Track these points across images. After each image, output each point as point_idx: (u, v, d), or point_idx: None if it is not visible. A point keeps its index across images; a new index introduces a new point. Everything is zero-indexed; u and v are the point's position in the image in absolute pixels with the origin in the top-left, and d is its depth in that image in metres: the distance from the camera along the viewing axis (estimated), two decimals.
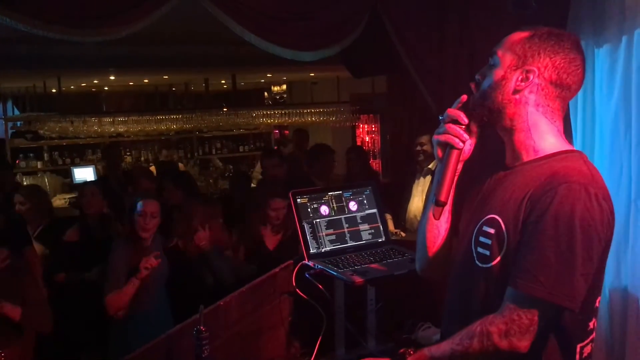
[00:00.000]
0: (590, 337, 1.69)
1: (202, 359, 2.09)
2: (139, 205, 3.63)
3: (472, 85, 1.73)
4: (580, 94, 3.34)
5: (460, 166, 1.77)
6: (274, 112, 8.01)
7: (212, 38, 5.68)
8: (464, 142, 1.70)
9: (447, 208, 1.84)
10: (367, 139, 9.46)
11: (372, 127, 9.21)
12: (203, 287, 3.84)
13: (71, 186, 8.73)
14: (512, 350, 1.54)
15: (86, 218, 4.52)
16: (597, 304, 1.68)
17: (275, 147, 10.02)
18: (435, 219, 1.81)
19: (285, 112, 7.93)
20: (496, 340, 1.54)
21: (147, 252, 3.60)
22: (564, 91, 1.66)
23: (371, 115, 9.01)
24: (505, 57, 1.66)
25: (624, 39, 3.14)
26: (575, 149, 1.71)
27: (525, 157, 1.68)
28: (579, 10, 3.33)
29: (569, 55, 1.63)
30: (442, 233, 1.86)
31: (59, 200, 8.03)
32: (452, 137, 1.70)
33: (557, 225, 1.51)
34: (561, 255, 1.50)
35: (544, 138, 1.67)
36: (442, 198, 1.69)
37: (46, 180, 8.81)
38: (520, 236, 1.57)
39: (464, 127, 1.70)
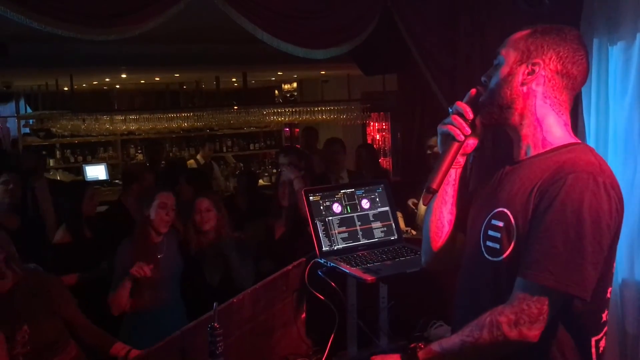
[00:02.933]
0: (604, 330, 1.69)
1: (215, 355, 2.10)
2: (159, 198, 3.61)
3: (480, 88, 1.75)
4: (593, 91, 3.35)
5: (462, 160, 1.84)
6: (285, 110, 8.01)
7: (223, 36, 5.70)
8: (465, 135, 1.73)
9: (451, 201, 1.87)
10: (377, 137, 9.45)
11: (383, 125, 9.20)
12: (206, 286, 3.81)
13: None
14: (522, 340, 1.54)
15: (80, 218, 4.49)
16: (608, 295, 1.68)
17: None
18: (424, 204, 1.85)
19: (295, 110, 7.94)
20: (506, 330, 1.54)
21: (158, 250, 3.60)
22: (570, 81, 1.68)
23: (382, 113, 8.99)
24: (509, 54, 1.70)
25: (638, 36, 3.12)
26: (580, 141, 1.71)
27: (533, 151, 1.69)
28: (592, 7, 3.32)
29: (572, 45, 1.67)
30: (446, 227, 1.89)
31: None
32: (454, 128, 1.73)
33: (565, 215, 1.51)
34: (570, 243, 1.51)
35: (552, 131, 1.68)
36: (434, 186, 1.71)
37: (58, 177, 8.86)
38: (530, 228, 1.58)
39: (469, 121, 1.74)
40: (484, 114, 1.73)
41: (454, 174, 1.86)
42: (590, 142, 3.37)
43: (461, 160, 1.84)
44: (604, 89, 3.32)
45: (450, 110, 1.78)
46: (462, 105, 1.75)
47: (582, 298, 1.54)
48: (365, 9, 3.90)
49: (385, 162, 9.04)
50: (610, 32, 3.26)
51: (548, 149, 1.67)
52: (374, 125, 9.47)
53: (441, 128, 1.78)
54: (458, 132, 1.73)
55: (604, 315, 1.67)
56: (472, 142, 1.81)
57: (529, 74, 1.66)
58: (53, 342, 2.91)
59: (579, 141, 1.70)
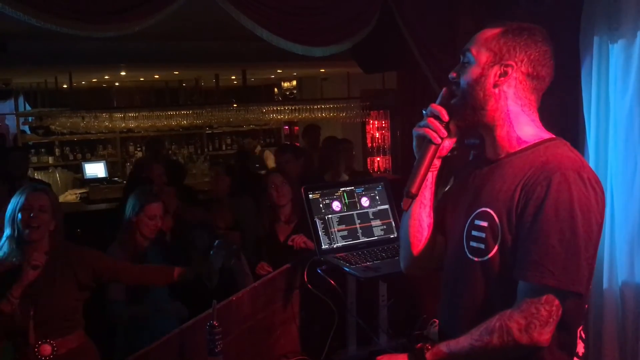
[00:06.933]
0: (584, 319, 1.75)
1: (215, 353, 2.10)
2: (148, 208, 3.59)
3: (454, 87, 1.74)
4: (594, 90, 3.34)
5: (438, 162, 1.82)
6: (284, 108, 8.01)
7: (222, 34, 5.69)
8: (442, 137, 1.73)
9: (429, 204, 1.86)
10: (377, 134, 9.42)
11: (383, 123, 9.17)
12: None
13: (82, 181, 8.77)
14: (533, 345, 1.55)
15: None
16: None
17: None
18: (403, 209, 1.83)
19: (295, 108, 7.95)
20: (517, 336, 1.54)
21: (145, 253, 3.59)
22: (539, 83, 1.70)
23: (381, 111, 8.97)
24: (480, 54, 1.70)
25: (639, 34, 3.11)
26: (555, 136, 1.72)
27: (509, 149, 1.70)
28: (593, 5, 3.31)
29: (542, 48, 1.68)
30: (426, 230, 1.88)
31: (70, 196, 8.07)
32: (431, 131, 1.72)
33: (558, 213, 1.53)
34: (565, 242, 1.53)
35: (525, 130, 1.69)
36: (413, 190, 1.72)
37: (57, 175, 8.85)
38: (516, 227, 1.59)
39: (444, 123, 1.73)
40: (457, 116, 1.73)
41: (430, 177, 1.84)
42: (591, 140, 3.36)
43: (437, 163, 1.82)
44: (605, 87, 3.31)
45: (424, 112, 1.76)
46: (438, 108, 1.73)
47: (581, 294, 1.56)
48: (365, 6, 3.89)
49: (384, 160, 9.02)
50: (610, 30, 3.25)
51: (524, 146, 1.68)
52: (373, 123, 9.43)
53: (417, 131, 1.77)
54: (435, 134, 1.72)
55: (586, 306, 1.76)
56: (448, 145, 1.80)
57: (501, 75, 1.67)
58: (61, 319, 2.89)
59: (553, 136, 1.71)
